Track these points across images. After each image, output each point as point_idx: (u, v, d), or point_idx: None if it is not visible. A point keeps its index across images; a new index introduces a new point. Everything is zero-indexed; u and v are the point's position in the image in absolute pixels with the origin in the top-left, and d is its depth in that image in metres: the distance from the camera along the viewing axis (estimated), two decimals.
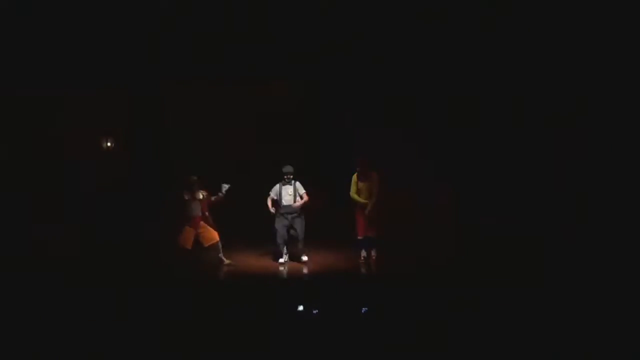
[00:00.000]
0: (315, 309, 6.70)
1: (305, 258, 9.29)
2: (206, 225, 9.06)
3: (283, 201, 9.14)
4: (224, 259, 9.22)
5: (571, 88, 9.09)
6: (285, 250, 9.34)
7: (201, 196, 8.99)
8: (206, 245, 9.06)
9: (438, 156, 10.37)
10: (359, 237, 9.35)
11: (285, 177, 9.11)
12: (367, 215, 9.12)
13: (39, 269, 8.48)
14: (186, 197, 8.98)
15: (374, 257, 9.43)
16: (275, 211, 9.17)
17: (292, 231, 9.17)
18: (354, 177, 9.24)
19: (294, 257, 9.40)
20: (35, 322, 6.05)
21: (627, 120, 8.63)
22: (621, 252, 8.06)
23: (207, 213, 9.09)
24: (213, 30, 10.06)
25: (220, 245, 9.14)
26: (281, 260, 9.32)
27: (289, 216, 9.11)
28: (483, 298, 6.81)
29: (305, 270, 9.09)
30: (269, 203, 9.20)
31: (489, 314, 6.23)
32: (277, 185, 9.17)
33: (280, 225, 9.15)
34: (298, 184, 9.20)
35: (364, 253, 9.40)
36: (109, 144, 11.42)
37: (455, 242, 9.57)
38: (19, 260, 8.81)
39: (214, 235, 9.06)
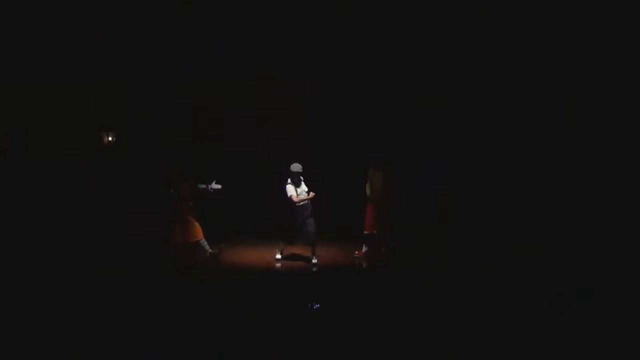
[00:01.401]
0: (315, 304, 6.88)
1: (315, 260, 9.03)
2: (192, 220, 8.84)
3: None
4: (212, 250, 9.01)
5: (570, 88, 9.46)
6: (283, 248, 9.18)
7: (181, 189, 8.74)
8: (190, 240, 8.86)
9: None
10: (365, 232, 9.52)
11: (297, 177, 8.74)
12: (382, 207, 9.28)
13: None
14: (168, 192, 8.78)
15: (384, 251, 9.53)
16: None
17: (305, 229, 8.85)
18: (370, 171, 9.44)
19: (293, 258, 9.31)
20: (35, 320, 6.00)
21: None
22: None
23: (190, 204, 8.85)
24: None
25: (204, 242, 8.94)
26: (278, 256, 9.17)
27: (303, 215, 8.82)
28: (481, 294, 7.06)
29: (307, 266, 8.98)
30: (296, 198, 8.71)
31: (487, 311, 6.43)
32: (290, 186, 8.75)
33: (296, 223, 8.84)
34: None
35: (365, 248, 9.55)
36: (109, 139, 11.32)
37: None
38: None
39: (197, 232, 8.88)
